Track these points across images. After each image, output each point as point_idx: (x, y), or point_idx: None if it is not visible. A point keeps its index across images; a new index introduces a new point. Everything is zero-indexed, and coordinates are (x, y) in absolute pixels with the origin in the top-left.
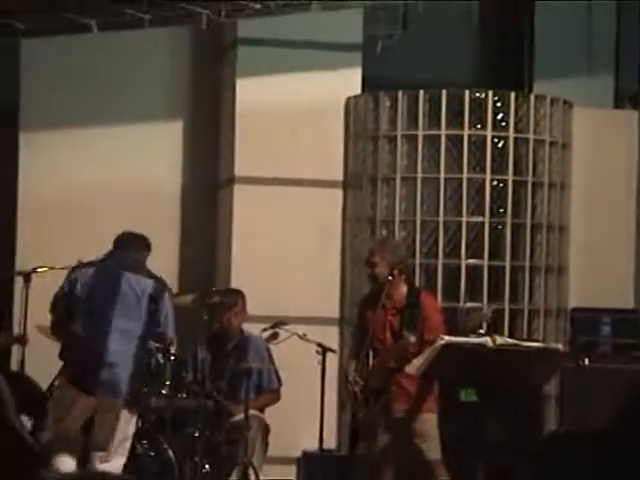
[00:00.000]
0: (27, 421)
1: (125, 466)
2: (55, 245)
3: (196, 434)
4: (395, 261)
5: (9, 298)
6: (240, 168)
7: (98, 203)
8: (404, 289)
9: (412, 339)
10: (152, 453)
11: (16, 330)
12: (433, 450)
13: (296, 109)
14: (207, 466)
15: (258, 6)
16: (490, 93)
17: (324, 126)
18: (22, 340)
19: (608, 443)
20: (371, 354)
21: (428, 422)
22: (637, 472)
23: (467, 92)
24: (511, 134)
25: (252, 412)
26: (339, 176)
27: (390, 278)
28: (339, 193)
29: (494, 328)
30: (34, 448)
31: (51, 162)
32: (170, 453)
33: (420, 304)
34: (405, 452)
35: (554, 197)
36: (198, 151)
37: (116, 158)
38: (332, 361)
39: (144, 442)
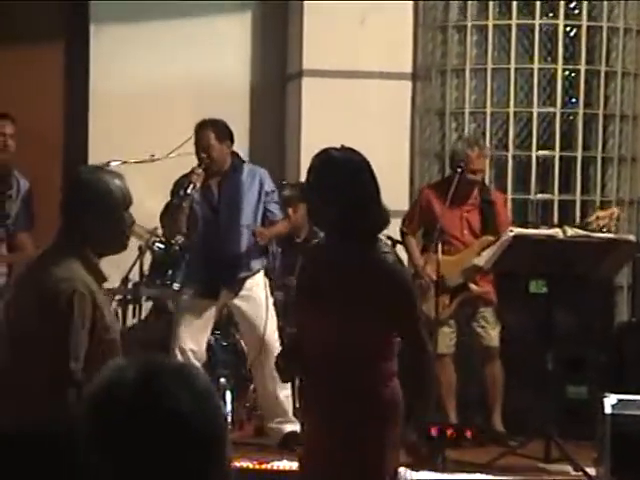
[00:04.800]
0: None
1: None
2: (126, 138)
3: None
4: (488, 157)
5: None
6: (308, 61)
7: (167, 96)
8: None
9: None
10: (224, 343)
11: None
12: (497, 337)
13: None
14: None
15: None
16: None
17: (392, 17)
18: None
19: None
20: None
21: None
22: None
23: None
24: (584, 22)
25: None
26: (408, 68)
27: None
28: (408, 85)
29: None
30: None
31: (121, 54)
32: (242, 344)
33: (493, 200)
34: (475, 340)
35: (627, 86)
36: (267, 43)
37: (185, 51)
38: (402, 254)
39: (217, 332)
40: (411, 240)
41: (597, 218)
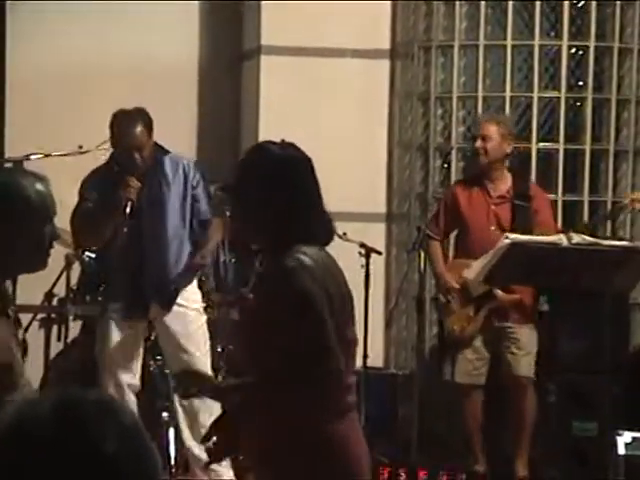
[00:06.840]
0: None
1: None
2: (50, 127)
3: (219, 349)
4: (510, 138)
5: None
6: (267, 36)
7: (99, 78)
8: (509, 176)
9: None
10: (167, 371)
11: None
12: (532, 366)
13: None
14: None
15: None
16: None
17: None
18: None
19: None
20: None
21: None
22: None
23: None
24: None
25: None
26: (385, 44)
27: (506, 155)
28: (386, 64)
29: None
30: None
31: (44, 31)
32: None
33: (530, 195)
34: (503, 367)
35: None
36: (218, 14)
37: (120, 26)
38: (377, 264)
39: (158, 358)
40: (435, 245)
41: (632, 201)
